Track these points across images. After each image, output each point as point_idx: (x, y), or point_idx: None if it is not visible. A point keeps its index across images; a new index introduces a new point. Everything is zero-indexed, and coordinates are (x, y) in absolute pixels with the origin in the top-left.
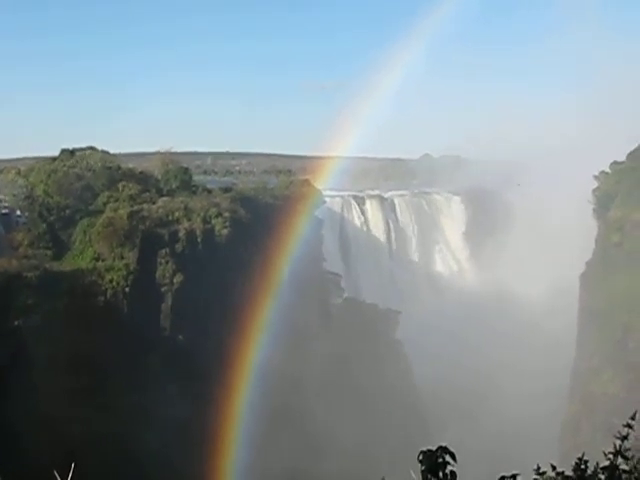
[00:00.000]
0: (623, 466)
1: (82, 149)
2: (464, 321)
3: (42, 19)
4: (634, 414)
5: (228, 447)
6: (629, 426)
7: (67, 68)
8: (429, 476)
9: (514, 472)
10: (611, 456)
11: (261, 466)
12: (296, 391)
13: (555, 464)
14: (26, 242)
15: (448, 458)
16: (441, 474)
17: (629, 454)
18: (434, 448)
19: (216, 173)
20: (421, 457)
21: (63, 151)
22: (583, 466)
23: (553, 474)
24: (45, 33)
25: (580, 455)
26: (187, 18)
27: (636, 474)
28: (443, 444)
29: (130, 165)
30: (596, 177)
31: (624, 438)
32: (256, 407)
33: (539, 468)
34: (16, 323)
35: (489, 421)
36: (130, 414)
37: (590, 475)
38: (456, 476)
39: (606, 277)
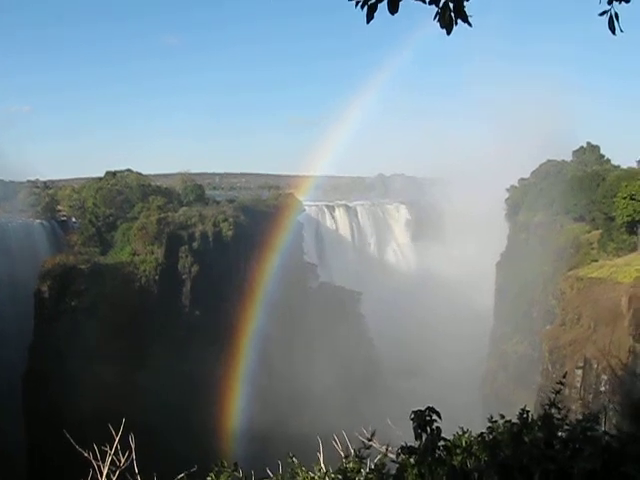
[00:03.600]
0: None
1: (122, 171)
2: (409, 298)
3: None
4: (564, 374)
5: (234, 394)
6: (561, 383)
7: (109, 109)
8: (419, 431)
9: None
10: (547, 407)
11: (258, 408)
12: (283, 351)
13: (480, 406)
14: (79, 242)
15: (435, 417)
16: (429, 429)
17: (560, 405)
18: (423, 408)
19: (223, 189)
20: (412, 416)
21: (107, 173)
22: (525, 415)
23: (502, 422)
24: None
25: (498, 398)
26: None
27: (567, 421)
28: (430, 405)
29: (158, 183)
30: (507, 190)
31: (557, 392)
32: (255, 364)
33: (492, 417)
34: (72, 304)
35: (429, 372)
36: (160, 371)
37: (531, 422)
38: (441, 431)
39: (515, 264)
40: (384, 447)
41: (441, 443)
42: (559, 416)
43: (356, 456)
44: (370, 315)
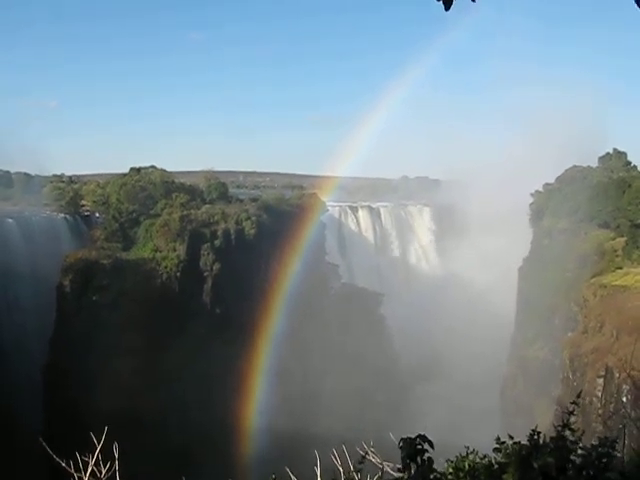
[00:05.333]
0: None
1: (146, 167)
2: (431, 300)
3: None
4: (579, 393)
5: (253, 393)
6: (575, 403)
7: (135, 104)
8: (408, 461)
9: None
10: (559, 428)
11: (277, 407)
12: (304, 351)
13: (501, 412)
14: (102, 237)
15: (426, 446)
16: (419, 460)
17: (575, 427)
18: (413, 436)
19: (246, 187)
20: (401, 444)
21: (131, 169)
22: (536, 436)
23: (510, 443)
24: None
25: (517, 404)
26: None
27: (580, 444)
28: (422, 433)
29: (181, 180)
30: (532, 195)
31: (570, 413)
32: (274, 363)
33: (499, 438)
34: (94, 298)
35: (449, 375)
36: (180, 368)
37: (542, 445)
38: (433, 462)
39: (538, 270)
40: (384, 462)
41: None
42: (572, 438)
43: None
44: (391, 317)
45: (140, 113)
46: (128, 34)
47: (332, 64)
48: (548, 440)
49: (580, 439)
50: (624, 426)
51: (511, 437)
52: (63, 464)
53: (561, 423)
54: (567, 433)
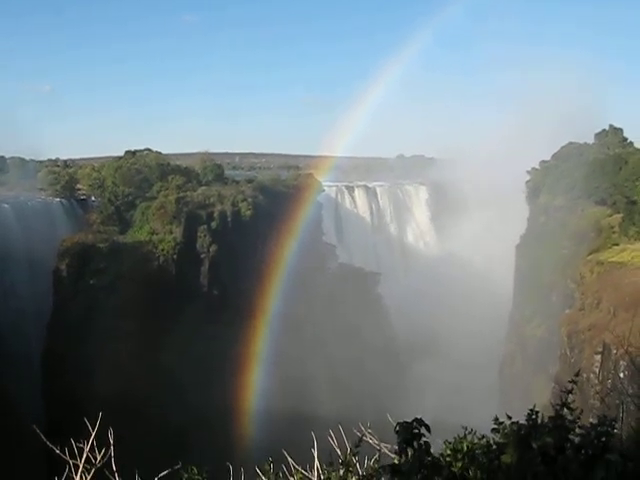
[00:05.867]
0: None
1: (141, 150)
2: (428, 279)
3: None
4: (577, 372)
5: (252, 375)
6: (573, 382)
7: (129, 87)
8: (404, 446)
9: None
10: (558, 407)
11: (275, 388)
12: (301, 332)
13: (499, 389)
14: (99, 220)
15: (423, 430)
16: (416, 444)
17: (574, 405)
18: (410, 420)
19: (242, 168)
20: (397, 429)
21: (127, 152)
22: (534, 416)
23: (509, 423)
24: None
25: (515, 382)
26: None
27: (579, 423)
28: (419, 417)
29: (177, 162)
30: (528, 172)
31: (569, 392)
32: (273, 344)
33: (497, 418)
34: (91, 282)
35: (448, 353)
36: (178, 350)
37: (541, 424)
38: (430, 446)
39: (535, 248)
40: (381, 444)
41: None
42: (571, 418)
43: (342, 463)
44: (389, 296)
45: (135, 96)
46: (122, 18)
47: (326, 45)
48: (547, 420)
49: (579, 418)
50: (622, 403)
51: (509, 417)
52: (57, 451)
53: (559, 402)
54: (565, 412)
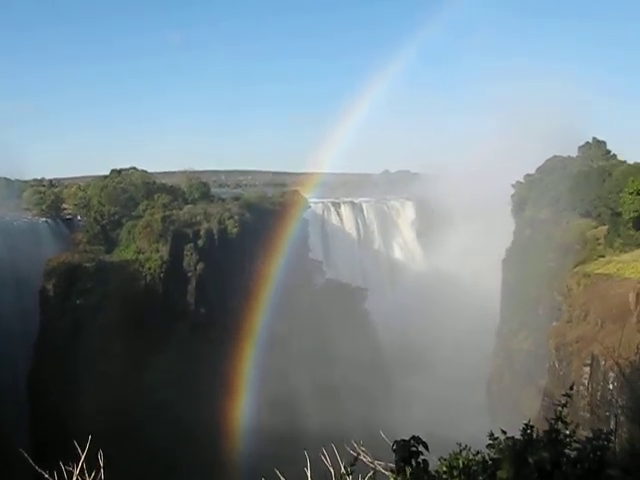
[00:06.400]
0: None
1: (126, 169)
2: (415, 295)
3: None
4: (571, 385)
5: (240, 392)
6: (567, 395)
7: (114, 106)
8: (402, 464)
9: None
10: (552, 421)
11: (264, 406)
12: (289, 349)
13: (487, 403)
14: (85, 240)
15: (421, 448)
16: (414, 462)
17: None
18: (407, 438)
19: (228, 186)
20: (395, 447)
21: (112, 171)
22: (529, 431)
23: (504, 438)
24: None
25: (504, 397)
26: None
27: (575, 437)
28: (415, 435)
29: (163, 181)
30: (513, 185)
31: (563, 405)
32: (261, 362)
33: (492, 434)
34: (77, 302)
35: (435, 369)
36: (166, 370)
37: (536, 439)
38: (428, 465)
39: (521, 261)
40: (375, 462)
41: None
42: (567, 432)
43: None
44: (376, 311)
45: (120, 115)
46: (106, 36)
47: (311, 63)
48: (541, 434)
49: (574, 432)
50: (616, 416)
51: (504, 432)
52: (46, 475)
53: (551, 415)
54: (560, 426)
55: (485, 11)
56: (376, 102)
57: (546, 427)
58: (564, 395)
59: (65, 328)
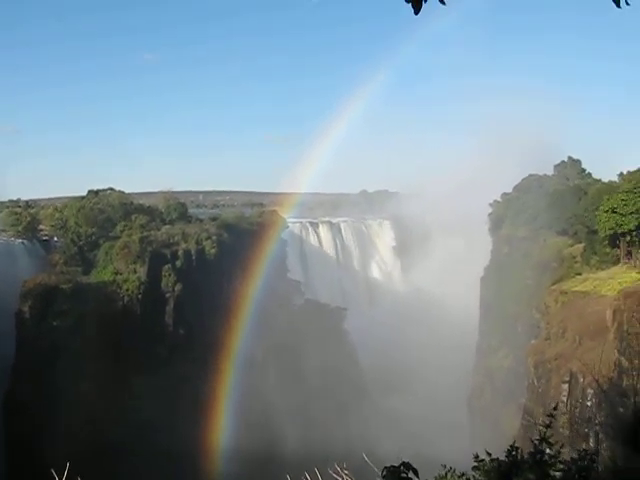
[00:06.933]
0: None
1: (104, 190)
2: (394, 313)
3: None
4: (555, 406)
5: (219, 413)
6: (551, 416)
7: (91, 127)
8: None
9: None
10: (537, 442)
11: (243, 427)
12: (268, 369)
13: (467, 419)
14: (62, 261)
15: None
16: None
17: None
18: (397, 464)
19: (206, 206)
20: (384, 473)
21: (89, 192)
22: (514, 452)
23: (489, 460)
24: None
25: (485, 415)
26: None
27: (560, 458)
28: (405, 460)
29: (140, 201)
30: (491, 204)
31: (547, 426)
32: (239, 383)
33: (477, 456)
34: (54, 323)
35: (415, 388)
36: (144, 391)
37: (521, 461)
38: None
39: (500, 279)
40: None
41: None
42: (551, 452)
43: None
44: (355, 331)
45: (97, 136)
46: (82, 58)
47: (288, 83)
48: (526, 455)
49: (559, 452)
50: (597, 433)
51: (489, 454)
52: None
53: (532, 433)
54: (544, 447)
55: (460, 30)
56: (353, 121)
57: (528, 446)
58: (548, 415)
59: (42, 350)
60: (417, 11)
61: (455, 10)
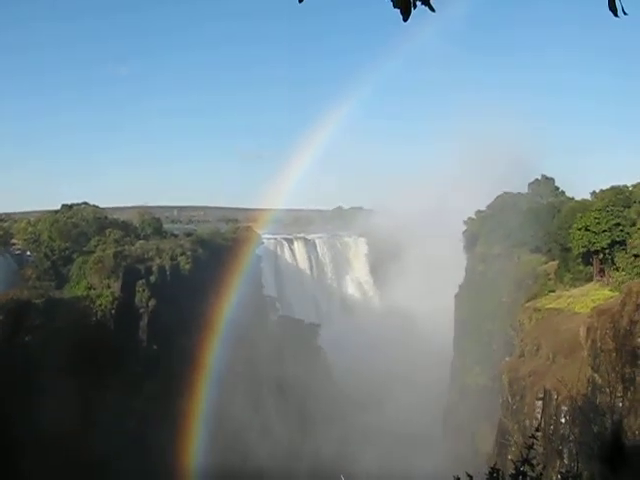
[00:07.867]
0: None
1: (78, 204)
2: (368, 330)
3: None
4: (537, 427)
5: (192, 430)
6: (533, 437)
7: (65, 140)
8: None
9: None
10: (519, 464)
11: (217, 444)
12: (243, 386)
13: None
14: (34, 276)
15: None
16: None
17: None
18: None
19: (181, 222)
20: None
21: (63, 206)
22: (495, 475)
23: None
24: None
25: (460, 432)
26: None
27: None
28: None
29: (115, 216)
30: (465, 222)
31: (530, 447)
32: (214, 399)
33: (459, 478)
34: (26, 339)
35: (390, 404)
36: (117, 407)
37: None
38: None
39: (474, 296)
40: None
41: None
42: (533, 474)
43: None
44: (329, 347)
45: (71, 149)
46: (57, 67)
47: (263, 96)
48: (507, 477)
49: (541, 474)
50: (576, 453)
51: (470, 476)
52: None
53: (506, 451)
54: (527, 468)
55: (437, 47)
56: (329, 138)
57: (504, 463)
58: (530, 437)
59: (14, 365)
60: (406, 18)
61: (433, 27)
